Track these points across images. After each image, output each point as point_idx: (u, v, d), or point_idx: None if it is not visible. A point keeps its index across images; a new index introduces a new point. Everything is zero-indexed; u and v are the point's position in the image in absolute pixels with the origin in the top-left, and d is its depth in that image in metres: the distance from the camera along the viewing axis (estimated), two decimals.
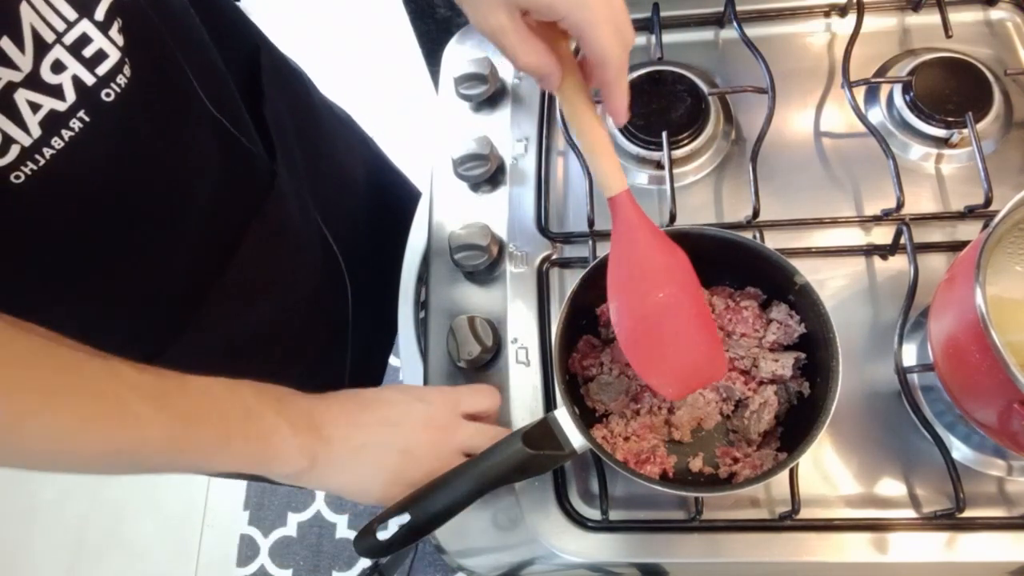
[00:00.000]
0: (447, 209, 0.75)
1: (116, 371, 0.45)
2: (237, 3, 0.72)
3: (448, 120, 0.79)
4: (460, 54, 0.82)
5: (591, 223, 0.69)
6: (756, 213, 0.67)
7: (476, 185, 0.75)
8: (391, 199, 0.98)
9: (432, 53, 1.13)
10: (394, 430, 0.56)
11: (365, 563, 1.52)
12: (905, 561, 0.58)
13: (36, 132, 0.43)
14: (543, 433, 0.53)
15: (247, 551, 1.63)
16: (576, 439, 0.53)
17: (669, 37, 0.79)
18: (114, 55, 0.46)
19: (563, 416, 0.54)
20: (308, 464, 0.52)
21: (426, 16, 1.04)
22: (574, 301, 0.59)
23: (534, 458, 0.52)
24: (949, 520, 0.58)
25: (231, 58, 0.63)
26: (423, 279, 0.78)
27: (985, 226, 0.61)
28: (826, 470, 0.61)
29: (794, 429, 0.59)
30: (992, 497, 0.59)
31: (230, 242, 0.63)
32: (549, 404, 0.65)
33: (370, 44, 2.09)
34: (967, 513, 0.57)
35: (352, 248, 0.85)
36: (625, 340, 0.54)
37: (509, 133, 0.76)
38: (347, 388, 0.87)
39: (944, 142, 0.70)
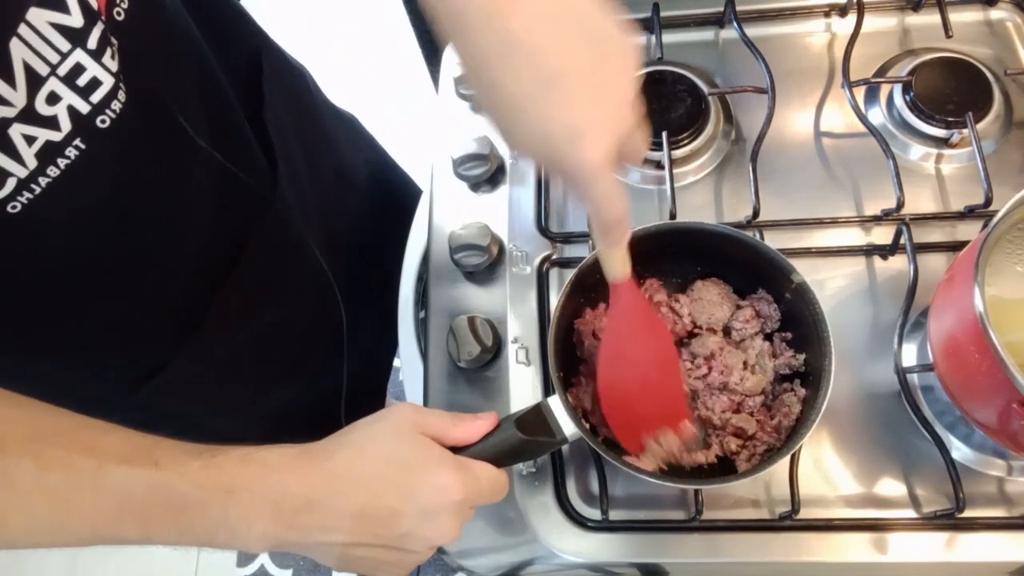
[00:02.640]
0: (447, 209, 0.75)
1: (11, 478, 0.41)
2: (239, 3, 0.71)
3: (448, 120, 0.79)
4: None
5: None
6: (756, 213, 0.67)
7: (476, 185, 0.75)
8: (395, 198, 0.98)
9: (432, 53, 1.13)
10: (395, 554, 0.49)
11: None
12: (905, 561, 0.58)
13: (32, 164, 0.43)
14: (536, 419, 0.54)
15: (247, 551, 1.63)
16: (568, 427, 0.54)
17: (669, 37, 0.79)
18: (108, 81, 0.45)
19: (556, 403, 0.54)
20: (271, 547, 0.47)
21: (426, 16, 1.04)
22: (574, 286, 0.60)
23: (526, 444, 0.52)
24: (949, 520, 0.58)
25: (233, 65, 0.63)
26: (423, 279, 0.78)
27: (985, 226, 0.61)
28: (826, 470, 0.61)
29: (792, 426, 0.59)
30: (992, 497, 0.59)
31: (229, 259, 0.63)
32: None
33: (370, 44, 2.09)
34: (967, 513, 0.57)
35: (352, 252, 0.85)
36: (606, 403, 0.58)
37: None
38: (347, 390, 0.87)
39: (944, 142, 0.70)
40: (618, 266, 0.52)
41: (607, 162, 0.42)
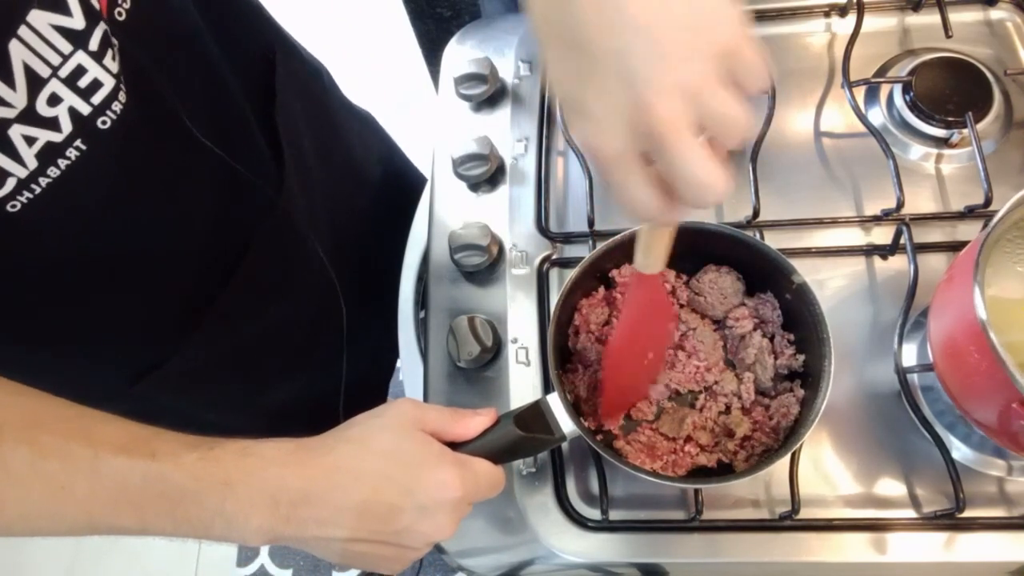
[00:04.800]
0: (447, 209, 0.75)
1: (7, 464, 0.41)
2: None
3: (448, 120, 0.79)
4: (460, 54, 0.82)
5: (591, 223, 0.69)
6: (756, 213, 0.67)
7: (476, 185, 0.75)
8: (405, 194, 0.98)
9: (432, 53, 1.13)
10: (393, 549, 0.49)
11: None
12: (905, 561, 0.58)
13: (32, 164, 0.43)
14: (534, 416, 0.54)
15: (247, 551, 1.63)
16: (566, 424, 0.54)
17: None
18: (109, 83, 0.45)
19: (555, 401, 0.54)
20: (269, 540, 0.47)
21: (426, 16, 1.04)
22: (575, 285, 0.60)
23: (524, 440, 0.52)
24: (949, 520, 0.58)
25: (243, 62, 0.63)
26: (423, 279, 0.78)
27: (985, 226, 0.61)
28: (826, 470, 0.61)
29: (791, 427, 0.59)
30: (992, 497, 0.59)
31: (232, 258, 0.63)
32: None
33: (370, 44, 2.09)
34: (967, 513, 0.57)
35: (358, 249, 0.85)
36: (607, 376, 0.59)
37: (509, 133, 0.76)
38: (346, 388, 0.87)
39: (944, 142, 0.70)
40: (660, 259, 0.49)
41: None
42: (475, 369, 0.67)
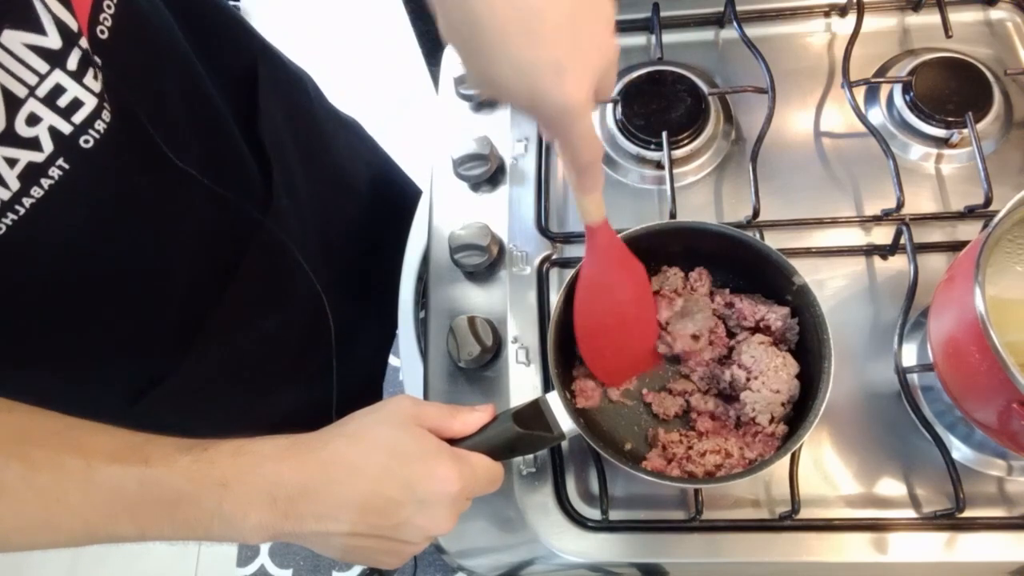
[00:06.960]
0: (447, 209, 0.75)
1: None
2: (237, 8, 0.71)
3: (448, 120, 0.79)
4: None
5: None
6: (756, 213, 0.67)
7: (476, 185, 0.75)
8: (395, 201, 0.98)
9: (432, 53, 1.13)
10: (391, 544, 0.49)
11: None
12: (905, 561, 0.58)
13: (15, 185, 0.42)
14: (533, 414, 0.54)
15: (247, 551, 1.63)
16: (565, 423, 0.54)
17: (669, 37, 0.79)
18: (90, 102, 0.45)
19: (554, 399, 0.54)
20: (268, 538, 0.46)
21: (426, 16, 1.04)
22: (575, 284, 0.59)
23: (523, 437, 0.53)
24: (949, 520, 0.58)
25: (226, 76, 0.62)
26: (423, 279, 0.78)
27: (985, 226, 0.61)
28: (826, 470, 0.61)
29: (791, 428, 0.59)
30: (992, 497, 0.59)
31: (221, 276, 0.63)
32: None
33: (370, 45, 2.09)
34: (967, 513, 0.57)
35: (350, 258, 0.85)
36: (582, 338, 0.60)
37: (509, 133, 0.76)
38: (339, 395, 0.87)
39: (944, 142, 0.70)
40: (594, 210, 0.53)
41: (588, 99, 0.42)
42: (475, 369, 0.67)
